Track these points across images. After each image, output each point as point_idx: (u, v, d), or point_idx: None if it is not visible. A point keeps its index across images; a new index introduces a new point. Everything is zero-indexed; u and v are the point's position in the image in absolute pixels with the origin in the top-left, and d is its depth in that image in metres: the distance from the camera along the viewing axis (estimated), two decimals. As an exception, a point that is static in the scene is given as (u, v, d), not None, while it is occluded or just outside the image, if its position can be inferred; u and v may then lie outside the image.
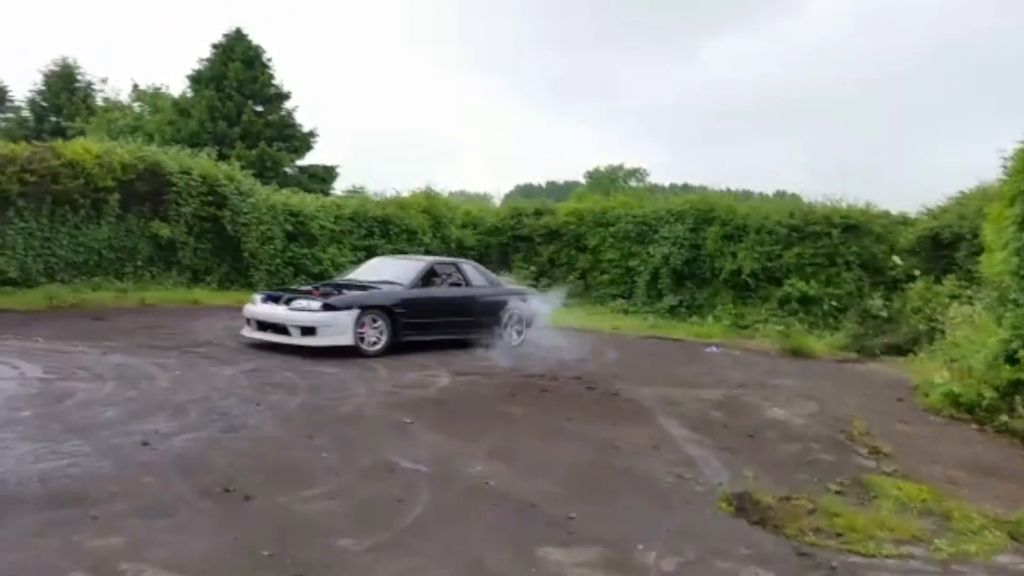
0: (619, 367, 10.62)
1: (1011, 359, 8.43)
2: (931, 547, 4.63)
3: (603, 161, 66.47)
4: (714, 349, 13.01)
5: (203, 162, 17.50)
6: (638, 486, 5.40)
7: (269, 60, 31.92)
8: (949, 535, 4.85)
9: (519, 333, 12.15)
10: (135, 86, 38.26)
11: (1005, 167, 9.57)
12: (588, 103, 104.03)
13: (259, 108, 31.16)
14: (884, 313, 14.65)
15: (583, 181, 62.09)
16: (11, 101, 43.25)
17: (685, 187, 46.07)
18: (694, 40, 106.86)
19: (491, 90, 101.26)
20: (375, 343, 10.15)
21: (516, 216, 22.60)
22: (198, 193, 16.68)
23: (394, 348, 10.27)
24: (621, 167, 63.98)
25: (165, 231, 15.93)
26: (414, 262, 12.06)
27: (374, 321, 10.16)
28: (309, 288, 10.86)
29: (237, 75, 30.42)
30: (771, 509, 5.14)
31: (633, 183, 59.78)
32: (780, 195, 27.44)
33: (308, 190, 24.84)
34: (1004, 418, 7.99)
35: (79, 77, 40.03)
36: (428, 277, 11.34)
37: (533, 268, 21.54)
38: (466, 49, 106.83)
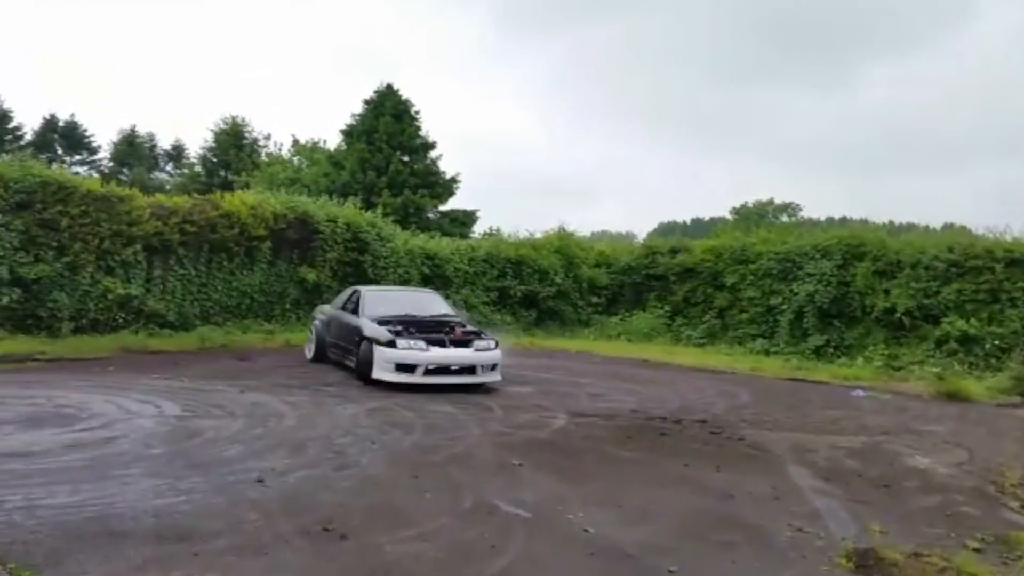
0: (750, 411, 10.10)
1: None
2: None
3: (752, 196, 64.34)
4: (860, 393, 12.11)
5: (348, 211, 18.47)
6: (751, 539, 5.05)
7: (417, 112, 33.53)
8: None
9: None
10: (295, 141, 41.28)
11: None
12: (736, 138, 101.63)
13: (406, 158, 32.66)
14: (1056, 354, 13.15)
15: (729, 217, 60.38)
16: (187, 158, 47.82)
17: (844, 220, 43.85)
18: (850, 69, 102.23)
19: (634, 130, 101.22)
20: None
21: (650, 255, 22.29)
22: (343, 240, 17.62)
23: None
24: (771, 202, 61.72)
25: (311, 275, 16.88)
26: (432, 294, 13.55)
27: None
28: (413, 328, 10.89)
29: (387, 128, 32.09)
30: (896, 567, 4.67)
31: (784, 218, 57.53)
32: (948, 228, 25.53)
33: (448, 234, 25.69)
34: None
35: (246, 134, 43.65)
36: None
37: (667, 307, 21.10)
38: (611, 91, 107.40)
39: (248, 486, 5.45)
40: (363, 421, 8.05)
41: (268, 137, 43.69)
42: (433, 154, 33.33)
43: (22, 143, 41.93)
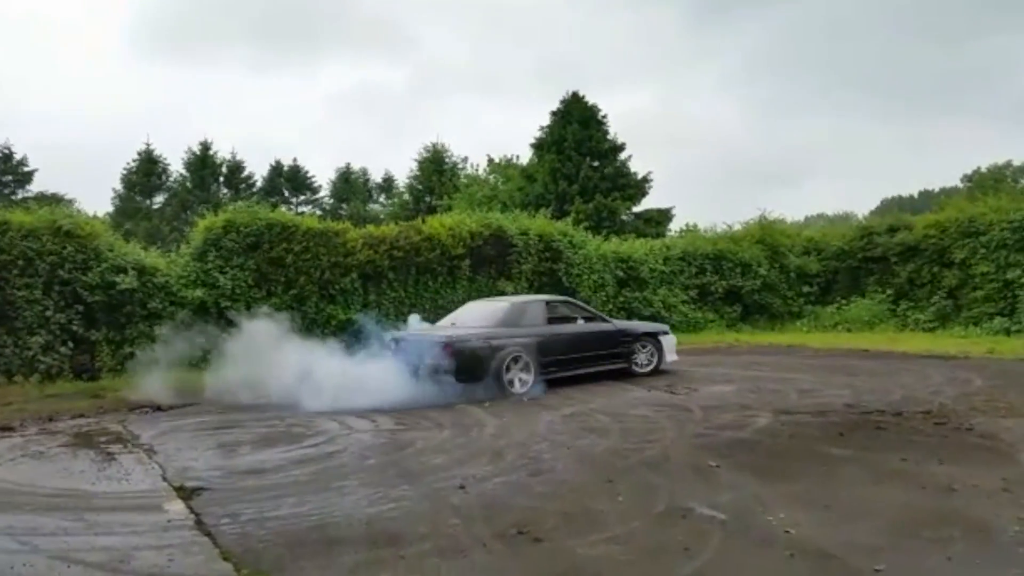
0: (982, 398, 9.12)
1: None
2: None
3: (986, 161, 58.02)
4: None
5: (539, 222, 18.92)
6: (971, 535, 4.60)
7: (604, 117, 33.63)
8: None
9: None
10: (490, 160, 42.85)
11: None
12: (961, 100, 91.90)
13: (595, 163, 32.82)
14: None
15: (961, 186, 54.82)
16: (396, 188, 51.15)
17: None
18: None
19: (846, 104, 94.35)
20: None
21: (866, 236, 20.82)
22: (536, 251, 18.06)
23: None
24: (1008, 164, 55.34)
25: (509, 287, 17.43)
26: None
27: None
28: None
29: (575, 136, 32.47)
30: None
31: (1024, 181, 51.42)
32: None
33: (643, 235, 25.47)
34: None
35: (447, 159, 45.97)
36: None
37: (890, 291, 19.53)
38: (815, 68, 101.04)
39: (451, 492, 5.77)
40: (558, 427, 8.23)
41: (466, 159, 45.68)
42: (623, 156, 33.23)
43: (254, 189, 46.92)
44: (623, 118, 58.17)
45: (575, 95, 33.63)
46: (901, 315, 18.87)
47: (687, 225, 27.61)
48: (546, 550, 4.57)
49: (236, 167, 47.05)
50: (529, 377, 10.66)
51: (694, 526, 4.93)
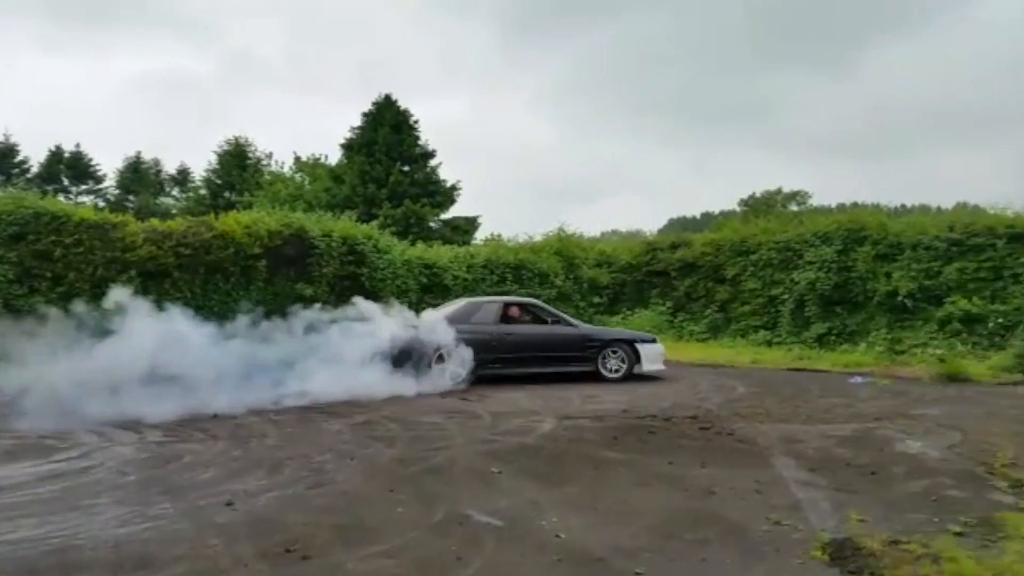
0: (744, 404, 9.98)
1: None
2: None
3: (760, 187, 64.05)
4: (858, 380, 11.96)
5: (343, 224, 18.50)
6: (725, 535, 4.95)
7: (416, 122, 33.59)
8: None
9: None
10: (296, 158, 41.46)
11: None
12: (743, 129, 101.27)
13: (406, 168, 32.68)
14: (1062, 329, 12.94)
15: (738, 209, 60.17)
16: (192, 181, 48.15)
17: (855, 206, 43.60)
18: (854, 53, 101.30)
19: (642, 128, 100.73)
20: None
21: (651, 251, 22.20)
22: (339, 254, 17.61)
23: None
24: (779, 191, 61.55)
25: (308, 291, 16.87)
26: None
27: None
28: None
29: (386, 139, 32.18)
30: (873, 556, 4.56)
31: (794, 207, 57.32)
32: (961, 206, 25.25)
33: (450, 242, 25.67)
34: None
35: (250, 154, 43.87)
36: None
37: (669, 303, 20.98)
38: (615, 92, 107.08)
39: (216, 509, 5.38)
40: (346, 436, 8.00)
41: (270, 156, 43.88)
42: (433, 163, 33.37)
43: (29, 176, 42.34)
44: (436, 126, 58.53)
45: (387, 98, 33.36)
46: (678, 326, 20.32)
47: (492, 234, 28.16)
48: (313, 568, 4.38)
49: (8, 150, 42.24)
50: (461, 371, 11.61)
51: (469, 534, 4.94)
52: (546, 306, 13.79)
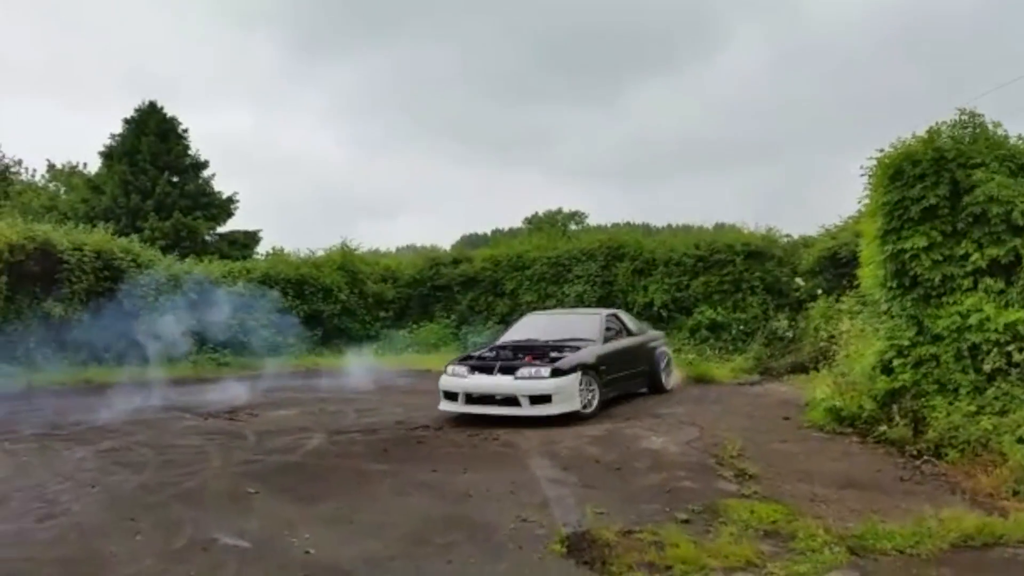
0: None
1: (887, 369, 8.46)
2: (763, 571, 4.48)
3: (543, 207, 67.00)
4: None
5: (97, 236, 17.07)
6: (474, 536, 5.15)
7: (185, 131, 31.56)
8: (787, 556, 4.70)
9: (669, 375, 12.17)
10: (50, 166, 37.60)
11: (869, 182, 9.67)
12: (525, 154, 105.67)
13: (174, 179, 30.65)
14: (789, 334, 14.76)
15: (524, 227, 62.55)
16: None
17: (628, 225, 46.86)
18: (620, 88, 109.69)
19: (433, 149, 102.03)
20: (588, 405, 9.67)
21: (434, 267, 22.48)
22: (92, 269, 16.20)
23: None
24: (560, 211, 64.74)
25: (58, 310, 15.37)
26: (591, 316, 11.80)
27: (589, 383, 9.77)
28: (507, 353, 10.29)
29: (151, 148, 29.98)
30: (608, 547, 4.94)
31: (573, 226, 60.45)
32: (720, 226, 27.95)
33: (228, 257, 24.42)
34: (883, 428, 7.98)
35: (-5, 161, 39.13)
36: (608, 330, 11.11)
37: (454, 316, 21.38)
38: (405, 114, 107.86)
39: (-83, 553, 4.80)
40: (89, 464, 7.36)
41: (19, 163, 39.37)
42: (206, 174, 31.57)
43: None
44: (215, 138, 55.31)
45: (152, 105, 31.15)
46: (463, 338, 20.74)
47: (273, 249, 27.16)
48: (29, 606, 4.03)
49: None
50: None
51: (212, 558, 4.75)
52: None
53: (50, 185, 36.94)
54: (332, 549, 4.92)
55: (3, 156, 39.32)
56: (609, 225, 51.22)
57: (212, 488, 6.46)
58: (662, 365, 11.91)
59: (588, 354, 10.06)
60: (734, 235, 18.06)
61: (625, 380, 10.90)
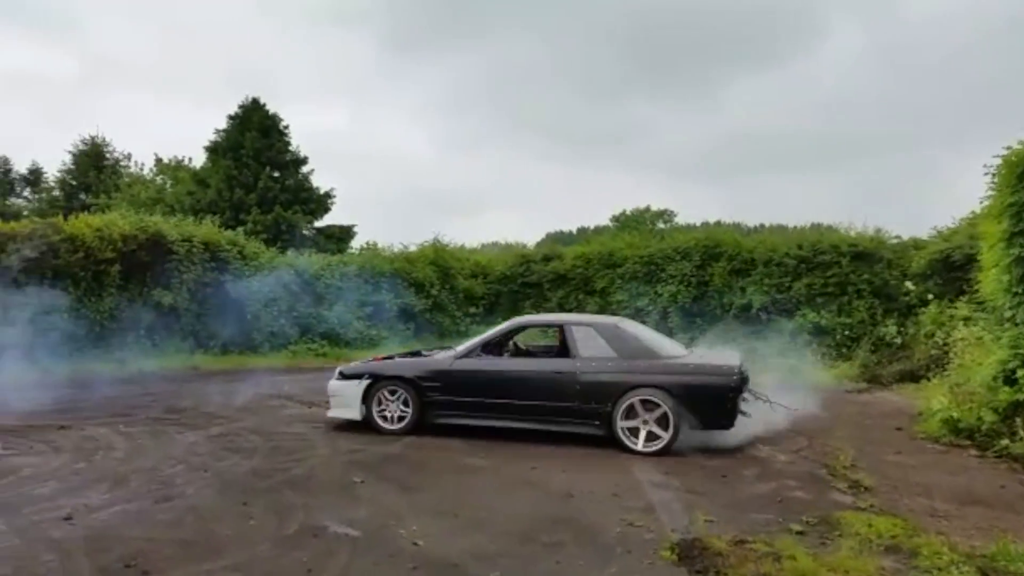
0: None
1: (1009, 380, 7.95)
2: (888, 589, 4.25)
3: (631, 205, 66.30)
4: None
5: (205, 229, 17.74)
6: (580, 538, 5.06)
7: (286, 127, 32.57)
8: (911, 574, 4.45)
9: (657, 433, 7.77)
10: (158, 160, 39.43)
11: (993, 182, 9.13)
12: (613, 150, 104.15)
13: (276, 174, 31.68)
14: (898, 340, 14.06)
15: (611, 225, 62.08)
16: (45, 182, 44.93)
17: (718, 224, 45.89)
18: (714, 85, 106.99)
19: (523, 146, 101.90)
20: (400, 419, 8.55)
21: (524, 263, 22.46)
22: (200, 260, 16.86)
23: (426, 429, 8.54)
24: (648, 209, 63.96)
25: (167, 299, 16.05)
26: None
27: (393, 394, 8.57)
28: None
29: (253, 143, 31.04)
30: (721, 556, 4.77)
31: (661, 224, 59.66)
32: (815, 226, 27.05)
33: (325, 250, 25.07)
34: (1005, 442, 7.50)
35: (107, 155, 41.32)
36: (500, 344, 9.05)
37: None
38: (496, 111, 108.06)
39: (53, 525, 5.07)
40: (200, 449, 7.63)
41: (129, 157, 41.46)
42: (305, 170, 32.50)
43: None
44: (313, 135, 56.78)
45: (255, 101, 32.26)
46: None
47: (367, 243, 27.73)
48: (154, 584, 4.16)
49: None
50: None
51: (324, 545, 4.82)
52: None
53: (157, 178, 38.73)
54: (439, 541, 4.92)
55: (114, 150, 41.63)
56: (698, 224, 50.35)
57: (320, 476, 6.59)
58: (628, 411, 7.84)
59: (408, 366, 8.79)
60: (839, 235, 17.31)
61: (501, 410, 8.30)
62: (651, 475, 6.74)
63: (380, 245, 24.34)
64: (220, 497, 5.90)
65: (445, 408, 8.48)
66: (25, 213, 38.55)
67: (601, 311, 20.14)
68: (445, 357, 8.70)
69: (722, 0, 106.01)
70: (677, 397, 7.66)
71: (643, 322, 18.93)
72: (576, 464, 7.16)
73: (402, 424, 8.50)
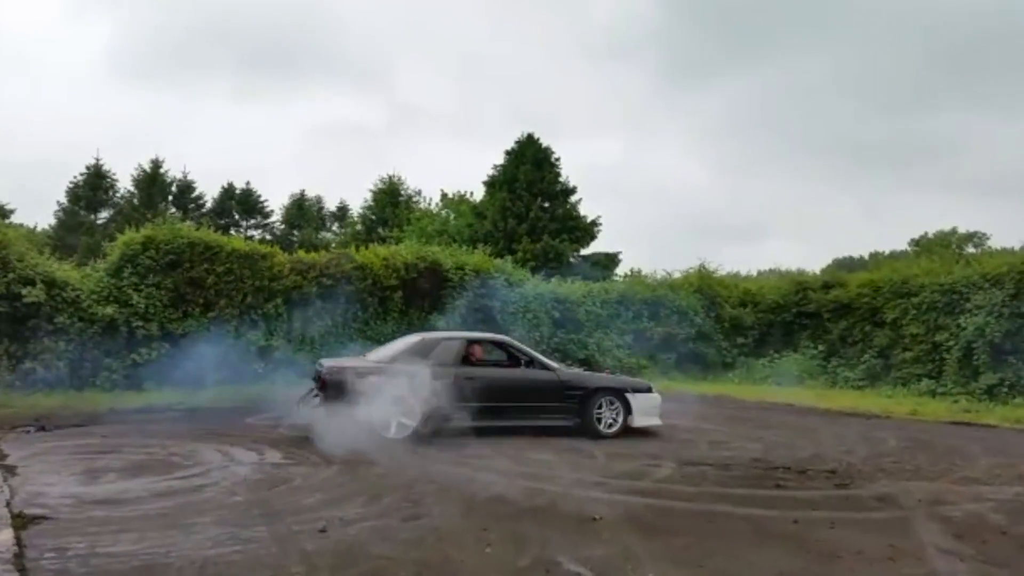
0: (891, 459, 9.00)
1: None
2: None
3: (933, 227, 59.74)
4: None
5: (476, 257, 18.73)
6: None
7: (557, 159, 33.82)
8: None
9: None
10: (443, 195, 42.76)
11: None
12: (912, 170, 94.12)
13: (546, 204, 32.89)
14: None
15: (909, 250, 56.28)
16: (350, 217, 50.76)
17: (1035, 247, 39.85)
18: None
19: (806, 167, 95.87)
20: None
21: (801, 291, 20.96)
22: (472, 287, 17.79)
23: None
24: (954, 231, 57.21)
25: (442, 323, 17.08)
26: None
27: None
28: None
29: (527, 176, 32.55)
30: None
31: (971, 248, 52.98)
32: None
33: (589, 278, 25.43)
34: None
35: (402, 191, 45.72)
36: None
37: (821, 347, 19.64)
38: (777, 132, 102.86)
39: (308, 536, 5.35)
40: (449, 468, 7.87)
41: (419, 192, 45.49)
42: (573, 199, 33.37)
43: (203, 211, 46.08)
44: (587, 167, 58.11)
45: (530, 136, 33.84)
46: (832, 372, 18.94)
47: (631, 270, 27.69)
48: (386, 604, 4.21)
49: (186, 187, 46.19)
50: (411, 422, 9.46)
51: (555, 583, 4.61)
52: (520, 345, 11.25)
53: (442, 212, 41.95)
54: (676, 594, 4.49)
55: (407, 187, 45.91)
56: (1016, 248, 43.87)
57: (560, 508, 6.41)
58: None
59: None
60: None
61: None
62: (936, 538, 5.70)
63: (644, 272, 24.13)
64: (463, 520, 5.94)
65: None
66: (333, 245, 43.76)
67: (892, 345, 18.10)
68: None
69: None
70: None
71: (942, 359, 16.70)
72: (849, 519, 6.28)
73: None
